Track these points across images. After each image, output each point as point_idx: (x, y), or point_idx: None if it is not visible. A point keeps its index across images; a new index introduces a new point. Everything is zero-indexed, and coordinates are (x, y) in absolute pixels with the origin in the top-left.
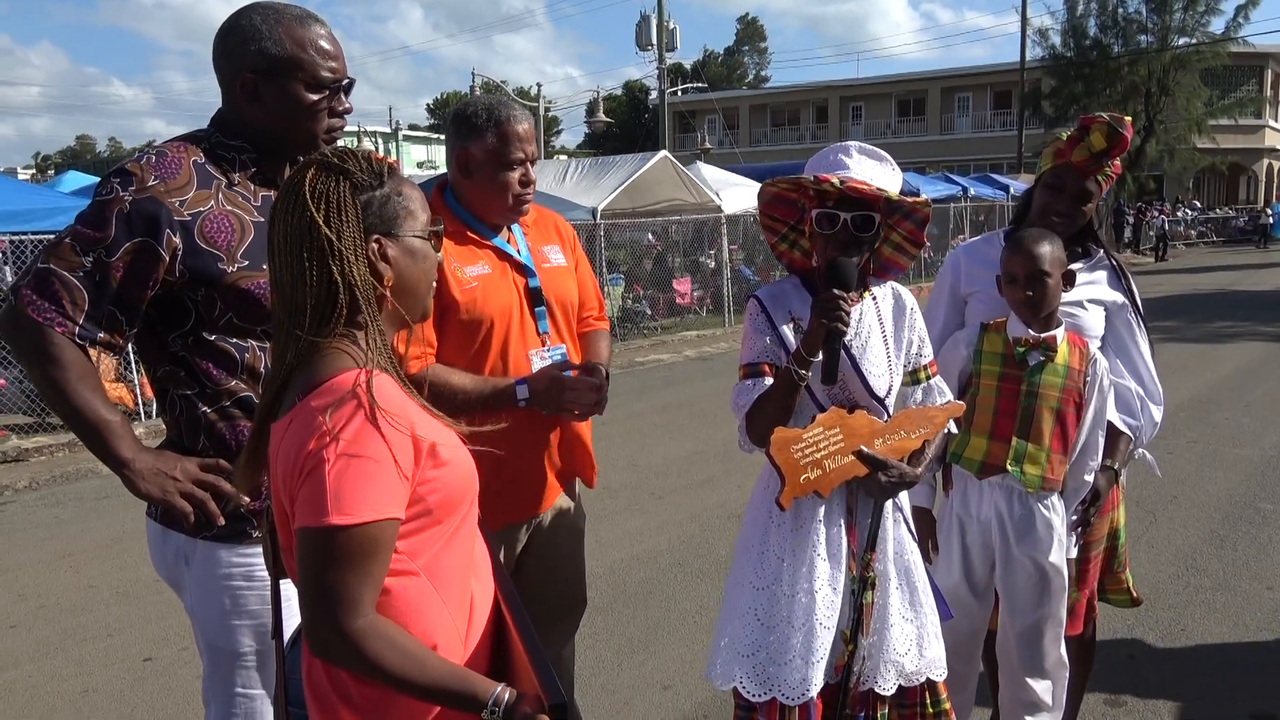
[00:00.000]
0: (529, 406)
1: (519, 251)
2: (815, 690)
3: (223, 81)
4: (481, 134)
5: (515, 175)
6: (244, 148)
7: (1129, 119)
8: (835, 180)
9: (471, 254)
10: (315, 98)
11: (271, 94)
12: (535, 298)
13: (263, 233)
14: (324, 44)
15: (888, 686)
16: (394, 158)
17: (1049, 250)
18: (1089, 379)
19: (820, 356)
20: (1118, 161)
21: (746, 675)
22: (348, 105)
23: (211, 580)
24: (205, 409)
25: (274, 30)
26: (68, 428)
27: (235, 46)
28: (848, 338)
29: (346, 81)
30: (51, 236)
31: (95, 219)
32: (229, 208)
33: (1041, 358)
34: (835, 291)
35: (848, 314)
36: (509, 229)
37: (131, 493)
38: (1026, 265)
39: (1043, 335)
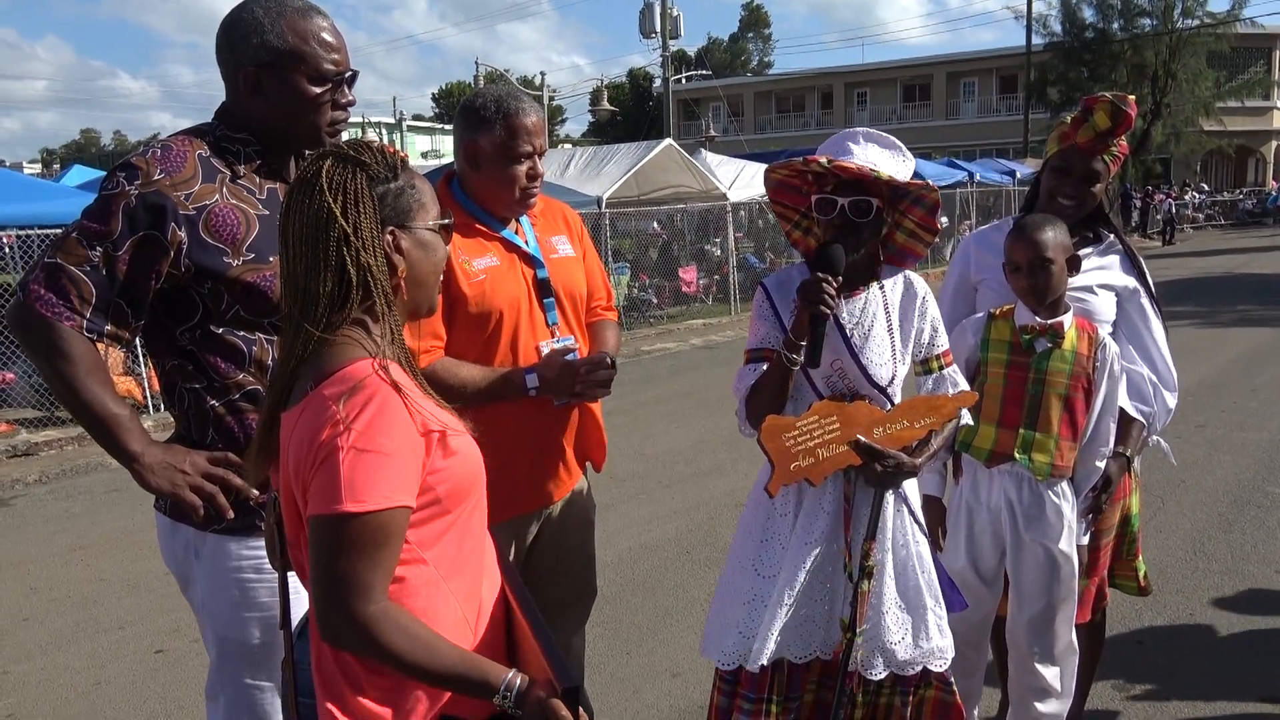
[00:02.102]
0: (540, 395)
1: (527, 243)
2: (778, 652)
3: (226, 75)
4: (490, 126)
5: (523, 169)
6: (249, 140)
7: (1132, 97)
8: (824, 160)
9: (479, 246)
10: (318, 90)
11: (274, 87)
12: (544, 289)
13: (268, 226)
14: (326, 36)
15: (876, 673)
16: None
17: (1052, 236)
18: (1098, 364)
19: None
20: (1124, 141)
21: (742, 653)
22: (351, 98)
23: (221, 573)
24: (213, 402)
25: (276, 23)
26: (77, 422)
27: (238, 40)
28: (848, 327)
29: (349, 74)
30: (58, 231)
31: (101, 213)
32: (234, 201)
33: (1049, 344)
34: (819, 275)
35: (831, 297)
36: (516, 220)
37: (141, 486)
38: (1030, 252)
39: (1049, 322)
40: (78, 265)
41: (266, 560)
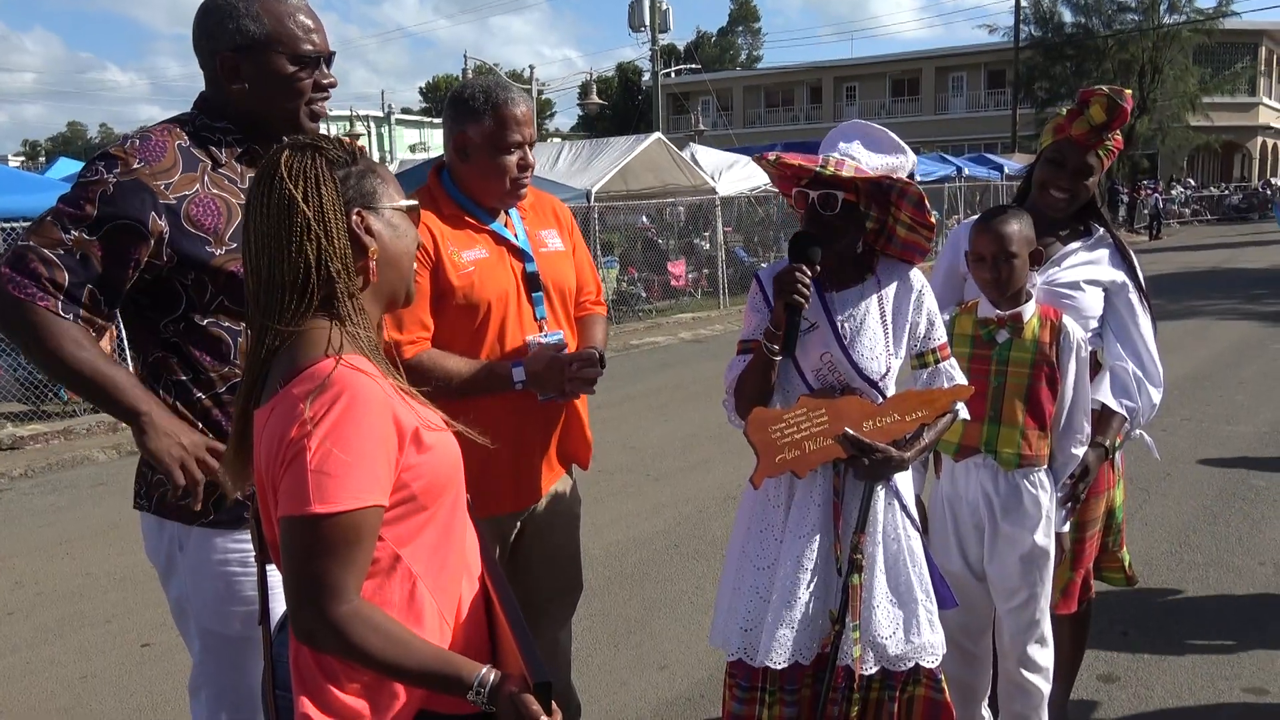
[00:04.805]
0: (525, 389)
1: (516, 236)
2: (792, 656)
3: (204, 62)
4: (479, 117)
5: (513, 159)
6: (229, 129)
7: (1129, 91)
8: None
9: (468, 238)
10: (297, 70)
11: (254, 70)
12: (533, 282)
13: None
14: (302, 17)
15: (867, 668)
16: (384, 143)
17: (1017, 230)
18: (1061, 350)
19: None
20: (1119, 136)
21: (742, 645)
22: (332, 79)
23: (207, 566)
24: (200, 395)
25: (251, 6)
26: (76, 394)
27: (215, 25)
28: (839, 320)
29: (328, 54)
30: None
31: (77, 199)
32: (215, 190)
33: (1009, 335)
34: (792, 265)
35: (806, 286)
36: (506, 213)
37: (138, 446)
38: (994, 245)
39: (1007, 313)
40: (50, 248)
41: (251, 553)
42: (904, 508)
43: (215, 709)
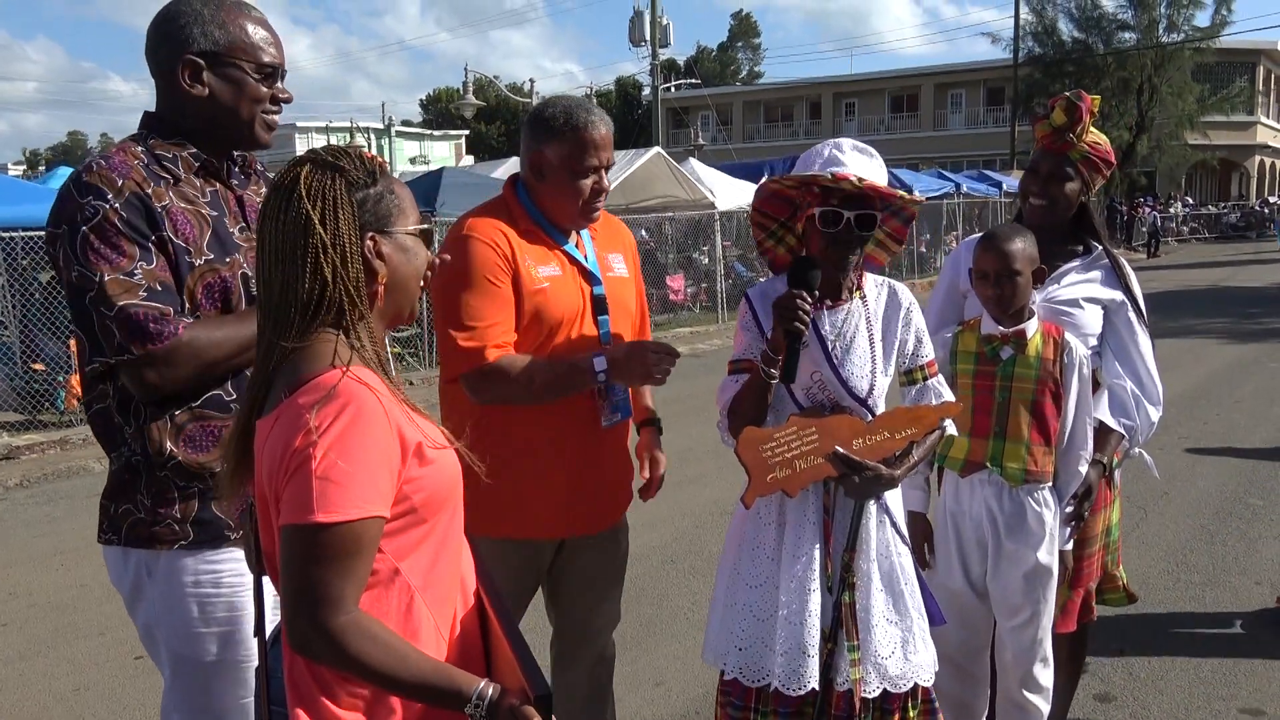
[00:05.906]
0: (608, 380)
1: (586, 258)
2: (811, 681)
3: (162, 71)
4: (558, 137)
5: (588, 182)
6: (183, 144)
7: (1096, 97)
8: (854, 179)
9: (544, 255)
10: (260, 80)
11: (216, 77)
12: (599, 305)
13: (218, 227)
14: (264, 30)
15: (869, 690)
16: (383, 156)
17: (1021, 248)
18: (1065, 366)
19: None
20: (1101, 146)
21: (739, 664)
22: (287, 94)
23: (177, 590)
24: (174, 410)
25: (216, 14)
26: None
27: (176, 31)
28: (829, 339)
29: (284, 70)
30: (40, 233)
31: (110, 243)
32: (181, 204)
33: (1013, 351)
34: (793, 292)
35: (806, 313)
36: (577, 233)
37: None
38: (997, 263)
39: (1011, 330)
40: (134, 296)
41: (225, 574)
42: (894, 525)
43: None
